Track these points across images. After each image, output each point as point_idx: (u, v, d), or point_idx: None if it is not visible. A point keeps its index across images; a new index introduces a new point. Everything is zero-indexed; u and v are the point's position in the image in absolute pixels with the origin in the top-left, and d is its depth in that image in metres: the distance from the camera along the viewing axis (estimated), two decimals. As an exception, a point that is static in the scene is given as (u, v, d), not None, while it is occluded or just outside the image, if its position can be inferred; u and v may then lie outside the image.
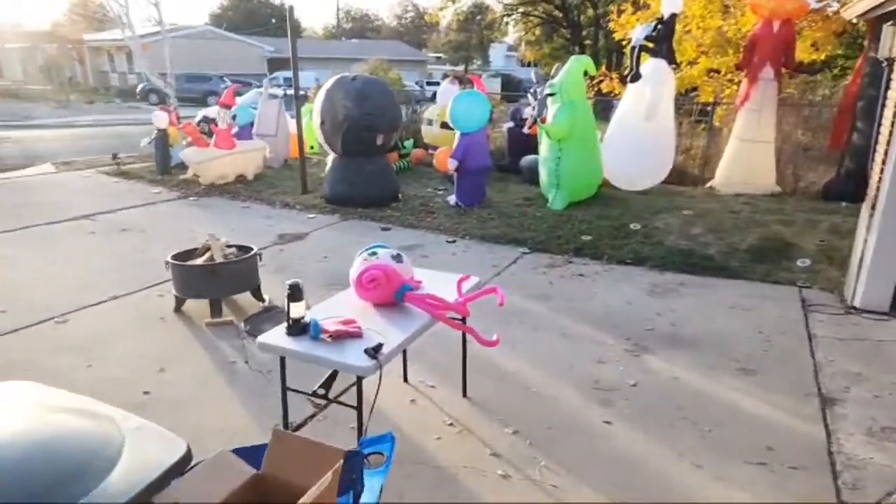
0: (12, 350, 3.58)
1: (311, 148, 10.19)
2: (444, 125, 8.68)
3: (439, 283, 2.85)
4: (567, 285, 4.92)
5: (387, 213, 7.05)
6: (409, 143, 10.19)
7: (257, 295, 4.35)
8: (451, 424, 2.95)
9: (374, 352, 2.24)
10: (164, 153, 8.62)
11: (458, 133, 7.14)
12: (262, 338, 2.41)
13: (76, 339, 3.72)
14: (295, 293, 2.38)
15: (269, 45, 35.62)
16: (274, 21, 51.63)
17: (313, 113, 7.30)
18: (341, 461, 1.53)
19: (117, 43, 31.48)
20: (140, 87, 26.21)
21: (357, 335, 2.38)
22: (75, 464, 1.46)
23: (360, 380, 2.29)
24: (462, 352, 3.16)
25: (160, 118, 8.51)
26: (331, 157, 7.49)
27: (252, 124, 9.03)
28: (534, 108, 8.73)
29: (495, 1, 26.25)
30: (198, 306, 4.15)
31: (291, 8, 7.51)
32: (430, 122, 10.16)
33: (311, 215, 6.97)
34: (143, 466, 1.52)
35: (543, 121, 7.21)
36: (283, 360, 2.43)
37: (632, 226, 6.29)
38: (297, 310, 2.40)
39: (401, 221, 6.74)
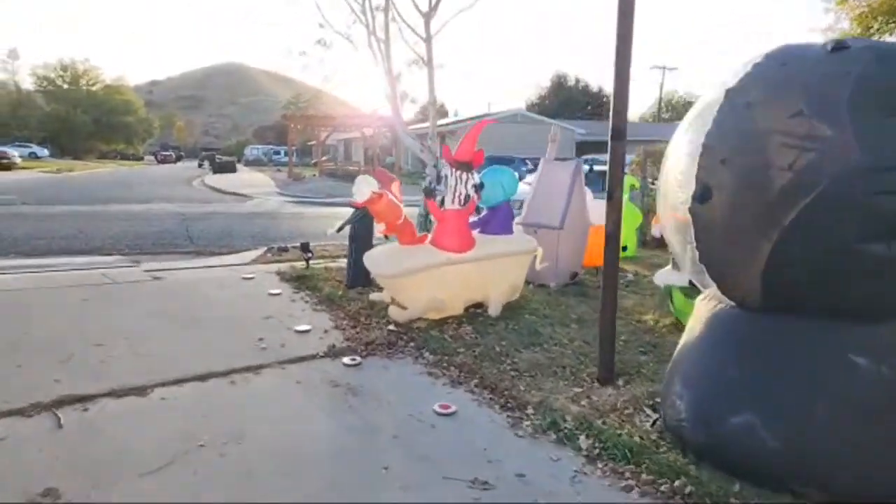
0: None
1: (624, 250, 5.69)
2: None
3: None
4: None
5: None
6: None
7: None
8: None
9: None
10: (361, 250, 4.57)
11: None
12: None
13: None
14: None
15: (581, 128, 32.84)
16: (589, 107, 49.60)
17: (665, 166, 2.44)
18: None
19: (421, 130, 32.94)
20: (433, 168, 25.79)
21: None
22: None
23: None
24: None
25: (361, 185, 4.48)
26: (701, 306, 2.42)
27: (511, 203, 4.48)
28: None
29: None
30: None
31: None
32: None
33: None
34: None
35: None
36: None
37: None
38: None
39: None
